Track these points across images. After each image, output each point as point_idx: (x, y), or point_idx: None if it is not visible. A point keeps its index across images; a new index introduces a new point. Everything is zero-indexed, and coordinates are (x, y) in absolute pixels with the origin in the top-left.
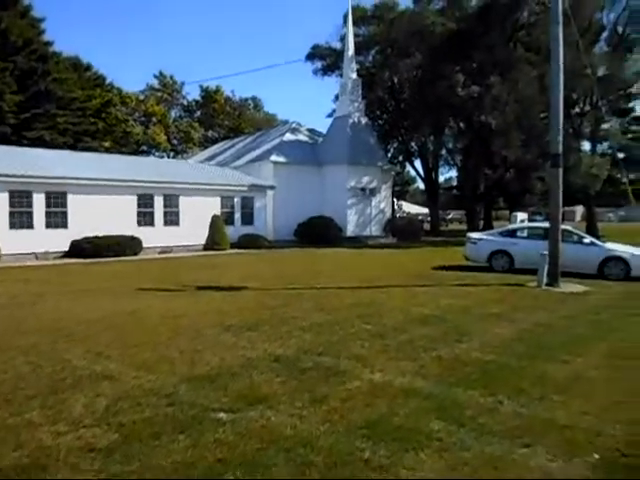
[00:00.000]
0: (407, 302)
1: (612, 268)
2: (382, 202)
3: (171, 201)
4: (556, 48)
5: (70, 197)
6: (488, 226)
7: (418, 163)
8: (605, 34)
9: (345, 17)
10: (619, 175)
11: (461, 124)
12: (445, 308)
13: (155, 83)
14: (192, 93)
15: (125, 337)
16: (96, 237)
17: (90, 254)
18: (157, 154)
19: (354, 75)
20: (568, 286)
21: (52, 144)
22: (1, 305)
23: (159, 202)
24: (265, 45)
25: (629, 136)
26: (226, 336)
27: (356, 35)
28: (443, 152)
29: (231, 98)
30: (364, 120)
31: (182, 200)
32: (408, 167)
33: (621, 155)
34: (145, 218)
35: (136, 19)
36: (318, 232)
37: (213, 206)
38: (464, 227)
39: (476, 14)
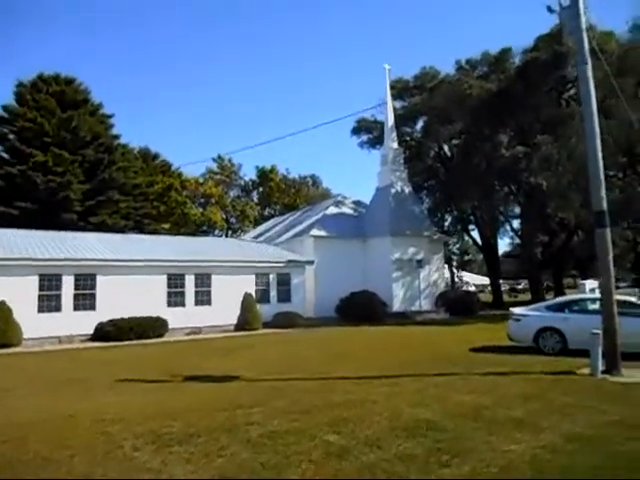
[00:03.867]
0: (408, 400)
1: None
2: (432, 274)
3: (203, 280)
4: (587, 91)
5: (99, 279)
6: (559, 296)
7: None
8: None
9: (385, 89)
10: None
11: (510, 187)
12: (452, 409)
13: (214, 166)
14: (249, 173)
15: (23, 450)
16: (121, 319)
17: (113, 337)
18: (215, 233)
19: (395, 145)
20: (632, 373)
21: (114, 228)
22: None
23: (190, 281)
24: (316, 121)
25: None
26: (142, 453)
27: (400, 107)
28: (501, 218)
29: (286, 176)
30: (407, 189)
31: (214, 278)
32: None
33: None
34: (175, 298)
35: (196, 112)
36: (360, 308)
37: (247, 284)
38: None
39: (515, 74)
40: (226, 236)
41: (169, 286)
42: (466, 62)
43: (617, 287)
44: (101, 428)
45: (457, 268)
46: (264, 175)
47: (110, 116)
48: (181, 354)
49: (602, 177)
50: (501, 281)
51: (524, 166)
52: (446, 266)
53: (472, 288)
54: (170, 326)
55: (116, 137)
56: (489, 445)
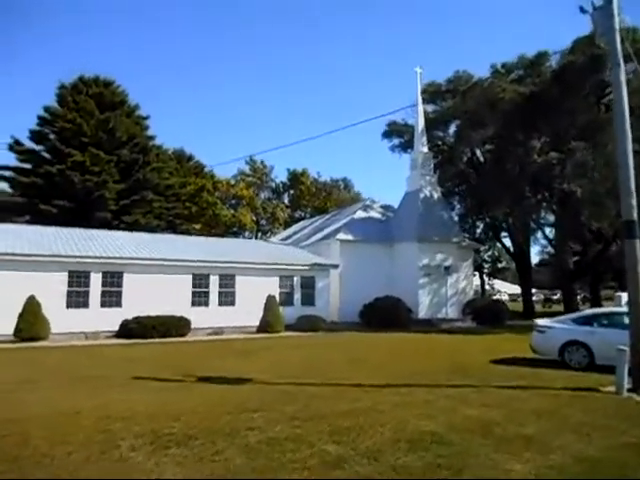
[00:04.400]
0: (416, 411)
1: None
2: (461, 281)
3: (227, 281)
4: (619, 94)
5: (126, 277)
6: (595, 307)
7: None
8: None
9: (416, 92)
10: None
11: (543, 194)
12: (459, 423)
13: (246, 168)
14: (281, 176)
15: (23, 445)
16: (147, 317)
17: (137, 334)
18: (245, 235)
19: (425, 149)
20: None
21: (147, 227)
22: None
23: (214, 282)
24: (348, 125)
25: None
26: (138, 453)
27: (432, 111)
28: (533, 226)
29: (317, 179)
30: (436, 194)
31: (238, 280)
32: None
33: None
34: (199, 298)
35: (229, 115)
36: (384, 314)
37: (271, 286)
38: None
39: (551, 78)
40: (256, 238)
41: (194, 286)
42: (502, 66)
43: None
44: (104, 426)
45: (489, 276)
46: (295, 178)
47: (146, 117)
48: (200, 354)
49: (632, 184)
50: (535, 290)
51: (557, 172)
52: (477, 274)
53: (505, 297)
54: (193, 325)
55: (151, 138)
56: (492, 463)
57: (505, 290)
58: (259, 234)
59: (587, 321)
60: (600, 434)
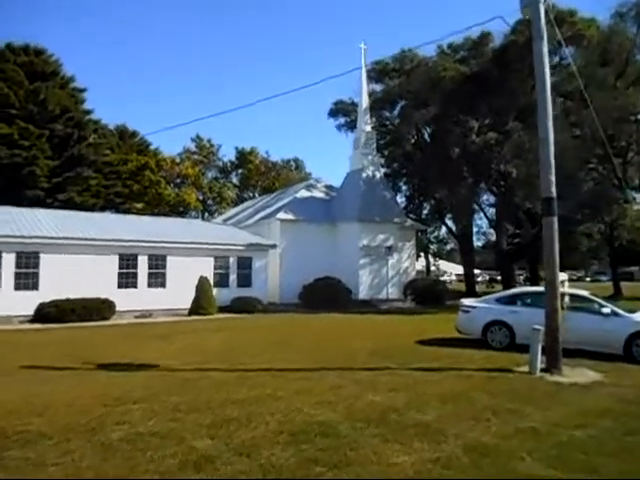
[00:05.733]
0: (317, 398)
1: None
2: (403, 262)
3: (157, 261)
4: (541, 68)
5: (43, 257)
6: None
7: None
8: None
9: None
10: None
11: (482, 175)
12: (358, 411)
13: (192, 146)
14: (229, 154)
15: None
16: (66, 300)
17: (53, 319)
18: (190, 215)
19: (368, 127)
20: (574, 373)
21: (83, 206)
22: None
23: (143, 262)
24: (298, 105)
25: None
26: None
27: (380, 91)
28: (476, 207)
29: (266, 159)
30: (379, 174)
31: (170, 260)
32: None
33: None
34: (127, 279)
35: (176, 88)
36: (323, 295)
37: (205, 266)
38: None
39: (492, 58)
40: (202, 218)
41: (120, 267)
42: (448, 46)
43: (598, 280)
44: None
45: (435, 257)
46: (243, 157)
47: (82, 90)
48: (115, 338)
49: (552, 160)
50: (479, 271)
51: (496, 153)
52: (422, 254)
53: (453, 277)
54: (119, 308)
55: (88, 112)
56: (377, 456)
57: (451, 271)
58: (205, 214)
59: (510, 301)
60: (501, 419)
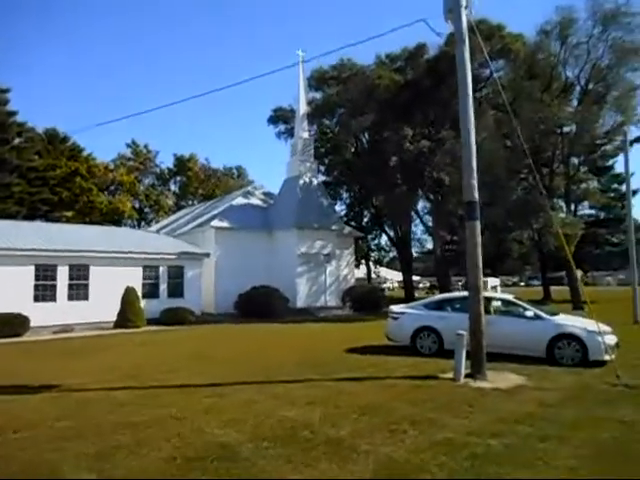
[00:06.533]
0: (226, 416)
1: (564, 349)
2: (342, 269)
3: (79, 272)
4: (463, 71)
5: None
6: None
7: None
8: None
9: (297, 75)
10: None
11: (416, 182)
12: (267, 429)
13: (128, 152)
14: (167, 161)
15: None
16: None
17: None
18: (126, 224)
19: (305, 134)
20: (499, 377)
21: (3, 214)
22: None
23: (63, 273)
24: (241, 113)
25: (611, 195)
26: None
27: (320, 99)
28: (413, 215)
29: (206, 166)
30: (316, 181)
31: (93, 270)
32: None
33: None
34: (44, 292)
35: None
36: (259, 304)
37: (133, 276)
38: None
39: (425, 68)
40: (138, 227)
41: (37, 278)
42: (386, 56)
43: (531, 285)
44: None
45: (376, 264)
46: (182, 164)
47: (5, 91)
48: (19, 356)
49: (474, 164)
50: (419, 278)
51: (429, 161)
52: (364, 262)
53: (395, 284)
54: (34, 324)
55: (12, 114)
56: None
57: (394, 278)
58: (142, 223)
59: (437, 306)
60: (418, 430)
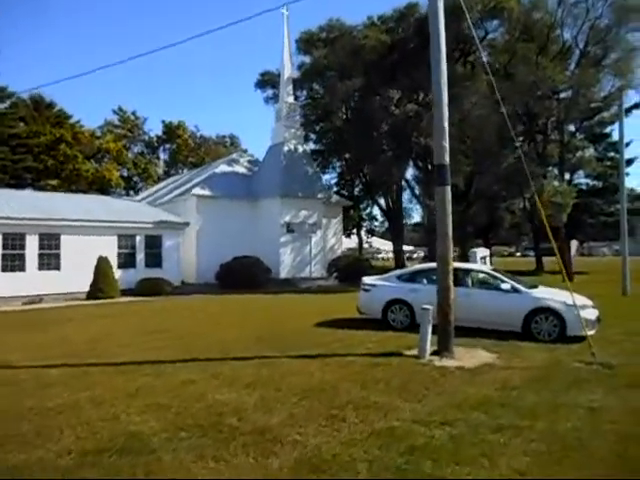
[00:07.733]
0: (151, 399)
1: (541, 324)
2: (329, 239)
3: (50, 241)
4: (436, 24)
5: None
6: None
7: None
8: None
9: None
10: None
11: (403, 149)
12: (192, 414)
13: (115, 119)
14: (156, 129)
15: None
16: None
17: None
18: (113, 192)
19: (290, 99)
20: (467, 355)
21: None
22: None
23: (32, 242)
24: (230, 79)
25: (607, 163)
26: None
27: (309, 63)
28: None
29: (196, 134)
30: (302, 148)
31: (65, 240)
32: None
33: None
34: (12, 262)
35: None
36: (241, 274)
37: (108, 246)
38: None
39: (413, 28)
40: (127, 195)
41: (4, 247)
42: (378, 18)
43: (527, 255)
44: None
45: (368, 234)
46: (171, 131)
47: None
48: None
49: (446, 125)
50: (412, 248)
51: (416, 126)
52: (355, 231)
53: (390, 255)
54: (2, 294)
55: None
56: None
57: (387, 248)
58: (130, 192)
59: (410, 278)
60: (360, 417)
